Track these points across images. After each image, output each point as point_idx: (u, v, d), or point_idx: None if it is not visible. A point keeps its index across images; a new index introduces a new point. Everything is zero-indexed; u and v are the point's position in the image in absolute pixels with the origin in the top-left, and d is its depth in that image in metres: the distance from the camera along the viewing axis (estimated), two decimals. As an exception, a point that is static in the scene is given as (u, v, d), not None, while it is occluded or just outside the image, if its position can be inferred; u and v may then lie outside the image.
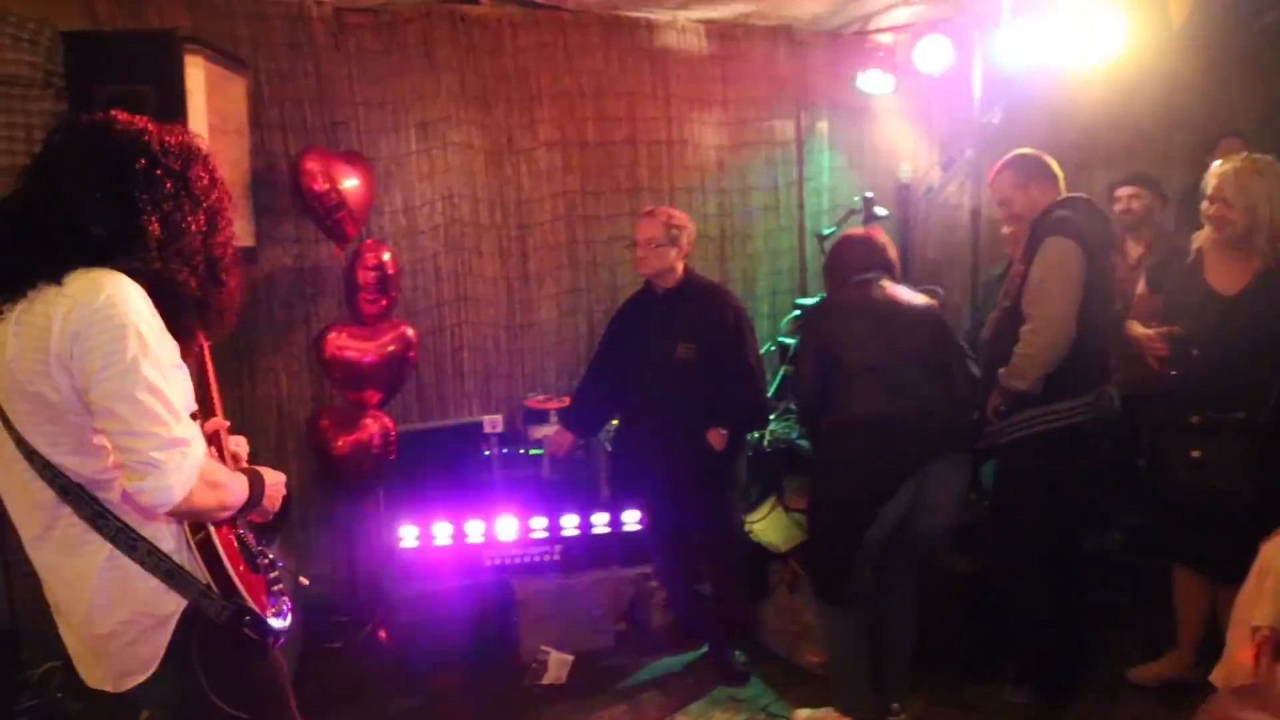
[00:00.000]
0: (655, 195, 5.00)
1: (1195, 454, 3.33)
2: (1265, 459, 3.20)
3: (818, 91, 5.41)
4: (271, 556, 2.22)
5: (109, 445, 1.78)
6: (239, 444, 2.26)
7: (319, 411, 4.18)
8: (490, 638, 4.13)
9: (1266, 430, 3.21)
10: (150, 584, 1.86)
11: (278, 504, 2.15)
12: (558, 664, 4.01)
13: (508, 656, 4.11)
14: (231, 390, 4.32)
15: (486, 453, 4.33)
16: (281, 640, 2.08)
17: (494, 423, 4.39)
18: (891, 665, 3.47)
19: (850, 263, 3.52)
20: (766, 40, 5.23)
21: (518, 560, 4.19)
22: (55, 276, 1.76)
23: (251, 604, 1.95)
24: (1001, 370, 3.35)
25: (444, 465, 4.36)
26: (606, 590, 4.22)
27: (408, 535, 4.13)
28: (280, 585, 2.21)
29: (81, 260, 1.78)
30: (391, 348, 4.07)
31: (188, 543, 1.89)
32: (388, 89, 4.42)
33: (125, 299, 1.75)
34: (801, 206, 5.51)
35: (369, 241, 4.06)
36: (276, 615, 2.07)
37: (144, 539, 1.83)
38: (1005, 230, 4.05)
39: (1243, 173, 3.21)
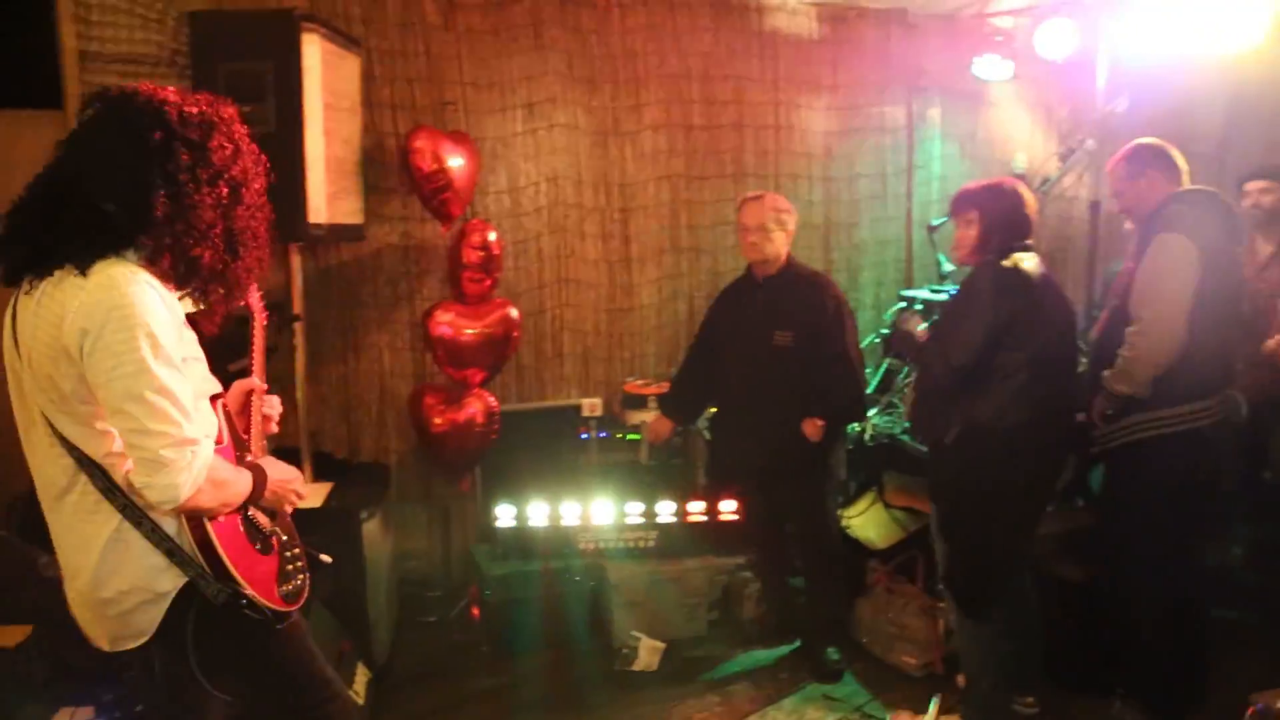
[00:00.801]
0: (760, 181, 4.92)
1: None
2: None
3: (931, 77, 5.24)
4: (287, 537, 2.26)
5: (117, 438, 1.83)
6: (272, 406, 2.31)
7: (422, 388, 4.22)
8: (581, 621, 4.13)
9: None
10: (152, 559, 1.94)
11: (289, 500, 2.19)
12: (649, 650, 3.98)
13: (598, 640, 4.11)
14: (335, 365, 4.41)
15: (585, 435, 4.32)
16: (292, 617, 2.14)
17: (593, 406, 4.38)
18: (1023, 667, 3.36)
19: (1026, 226, 3.13)
20: (879, 24, 5.09)
21: (612, 544, 4.18)
22: (80, 261, 1.79)
23: (247, 588, 1.99)
24: (1106, 373, 3.17)
25: (542, 446, 4.37)
26: (700, 579, 4.18)
27: (505, 515, 4.14)
28: (298, 565, 2.26)
29: (103, 240, 1.82)
30: (496, 327, 4.09)
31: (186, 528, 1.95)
32: (495, 69, 4.43)
33: (138, 298, 1.77)
34: (910, 195, 5.36)
35: (475, 221, 4.07)
36: (287, 596, 2.13)
37: (148, 517, 1.90)
38: (1128, 225, 3.86)
39: None
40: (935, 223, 4.86)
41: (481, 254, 3.96)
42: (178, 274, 1.89)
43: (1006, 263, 3.02)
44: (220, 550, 1.97)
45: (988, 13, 5.14)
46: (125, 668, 2.08)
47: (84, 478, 1.89)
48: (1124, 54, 4.61)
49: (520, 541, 4.16)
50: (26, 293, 1.84)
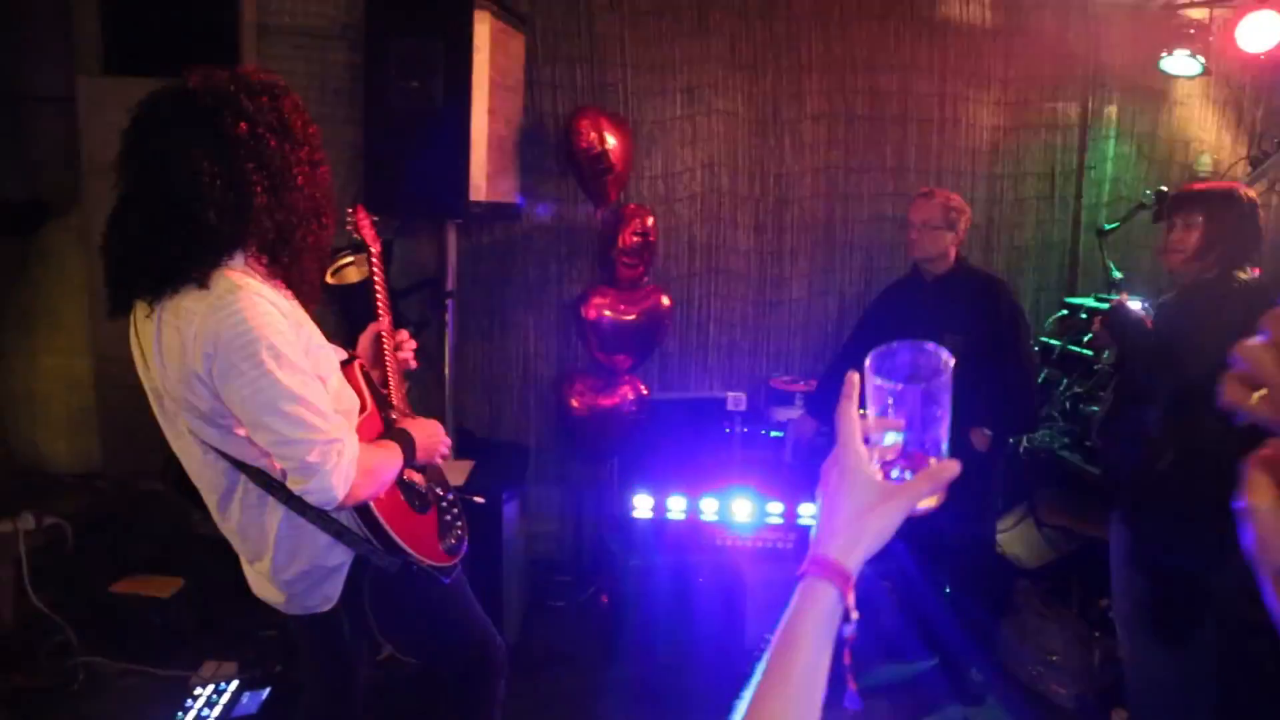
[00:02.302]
0: (921, 176, 4.71)
1: None
2: None
3: (1110, 72, 4.93)
4: (440, 489, 2.29)
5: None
6: (405, 343, 2.31)
7: (570, 371, 4.19)
8: (714, 621, 4.04)
9: None
10: (322, 540, 1.98)
11: (438, 452, 2.20)
12: (782, 654, 3.86)
13: (730, 642, 4.01)
14: (480, 343, 4.42)
15: (728, 430, 4.22)
16: (456, 571, 2.20)
17: (737, 400, 4.27)
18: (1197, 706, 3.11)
19: (1256, 240, 2.86)
20: (1058, 14, 4.81)
21: (750, 544, 4.07)
22: (190, 280, 1.75)
23: (415, 554, 2.04)
24: None
25: (683, 438, 4.29)
26: (838, 585, 4.03)
27: (642, 505, 4.08)
28: (454, 513, 2.30)
29: (210, 252, 1.77)
30: (649, 314, 4.03)
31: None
32: (657, 52, 4.35)
33: (251, 311, 1.74)
34: (1079, 197, 5.06)
35: (633, 206, 4.01)
36: (451, 549, 2.19)
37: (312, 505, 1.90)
38: None
39: None
40: (1107, 227, 4.57)
41: (639, 239, 3.90)
42: (282, 264, 1.87)
43: (1246, 278, 2.78)
44: (385, 524, 1.99)
45: (1178, 3, 4.79)
46: (279, 627, 2.14)
47: (243, 477, 1.92)
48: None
49: (655, 533, 4.09)
50: (147, 316, 1.82)
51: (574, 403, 4.06)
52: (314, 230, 1.91)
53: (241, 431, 1.84)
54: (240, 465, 1.90)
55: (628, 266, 3.96)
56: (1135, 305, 3.06)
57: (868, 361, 1.02)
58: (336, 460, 1.79)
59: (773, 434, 4.25)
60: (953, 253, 3.63)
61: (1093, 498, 4.07)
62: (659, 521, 4.07)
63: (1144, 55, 4.73)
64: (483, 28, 3.44)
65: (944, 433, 1.04)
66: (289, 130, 1.84)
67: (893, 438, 1.02)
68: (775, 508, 4.07)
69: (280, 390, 1.75)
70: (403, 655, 2.25)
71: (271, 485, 1.90)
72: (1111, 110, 5.03)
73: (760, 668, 0.89)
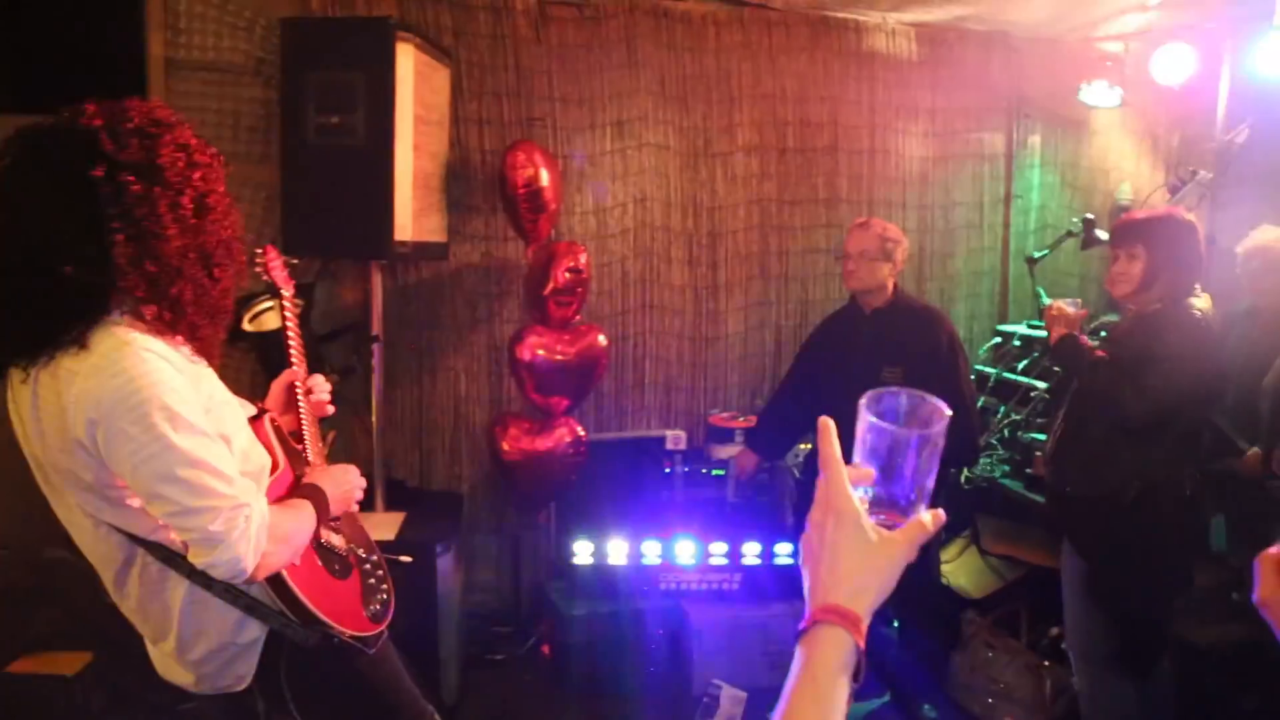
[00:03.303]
0: (854, 207, 4.71)
1: None
2: None
3: (1033, 102, 5.01)
4: (363, 550, 2.15)
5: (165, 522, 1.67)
6: (319, 387, 2.17)
7: (504, 415, 4.04)
8: (660, 666, 3.91)
9: None
10: (232, 616, 1.82)
11: (353, 499, 2.06)
12: (731, 700, 3.75)
13: (677, 688, 3.89)
14: (409, 388, 4.25)
15: (668, 469, 4.11)
16: (382, 639, 2.05)
17: (677, 438, 4.18)
18: None
19: (1198, 266, 2.90)
20: (981, 46, 4.87)
21: (695, 586, 3.96)
22: (64, 341, 1.59)
23: (336, 625, 1.88)
24: None
25: (623, 479, 4.18)
26: (786, 626, 3.94)
27: (582, 551, 3.95)
28: (379, 575, 2.15)
29: (77, 309, 1.60)
30: (586, 354, 3.90)
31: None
32: (586, 85, 4.27)
33: (139, 370, 1.58)
34: (1007, 225, 5.12)
35: (566, 243, 3.90)
36: (375, 616, 2.03)
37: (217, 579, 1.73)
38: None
39: None
40: (1036, 255, 4.62)
41: (573, 276, 3.78)
42: (165, 321, 1.67)
43: (1200, 307, 2.81)
44: (300, 595, 1.82)
45: (1095, 36, 4.90)
46: (183, 698, 1.96)
47: (140, 551, 1.75)
48: (1247, 81, 4.34)
49: (597, 579, 3.96)
50: (22, 382, 1.63)
51: (506, 447, 3.91)
52: (199, 281, 1.71)
53: (135, 502, 1.67)
54: (136, 539, 1.72)
55: (561, 305, 3.83)
56: (1069, 308, 3.03)
57: (865, 404, 0.97)
58: (244, 528, 1.62)
59: (714, 472, 4.16)
60: (890, 284, 3.61)
61: (1035, 525, 4.07)
62: (600, 567, 3.95)
63: (1064, 86, 4.82)
64: (406, 60, 3.32)
65: (933, 483, 0.99)
66: (158, 173, 1.63)
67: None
68: (719, 548, 3.99)
69: (176, 455, 1.58)
70: None
71: (172, 559, 1.73)
72: (1035, 140, 5.11)
73: None
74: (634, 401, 4.58)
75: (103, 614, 3.46)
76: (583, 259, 3.84)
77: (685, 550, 3.95)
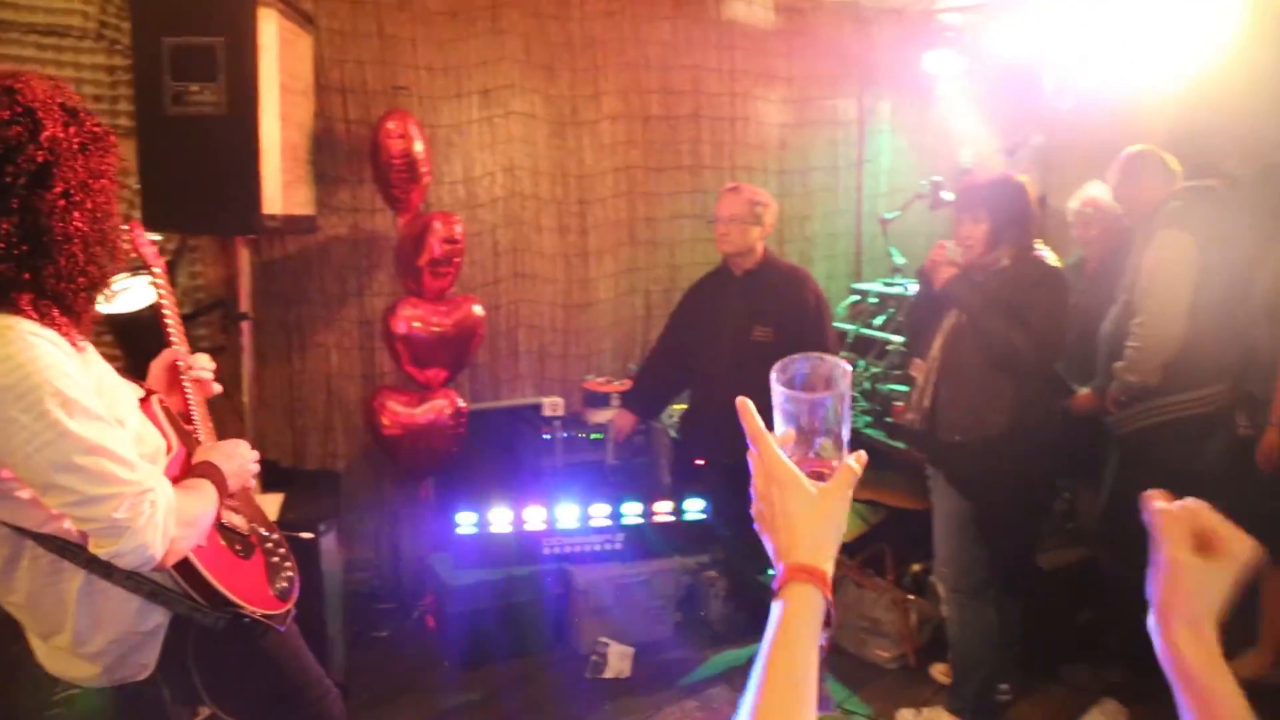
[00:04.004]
0: (717, 173, 4.84)
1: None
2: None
3: (882, 71, 5.25)
4: (264, 529, 2.14)
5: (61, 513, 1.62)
6: (201, 366, 2.14)
7: (381, 390, 3.98)
8: (547, 629, 3.98)
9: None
10: (133, 604, 1.77)
11: (249, 474, 2.04)
12: (619, 656, 3.86)
13: (565, 648, 3.97)
14: (279, 367, 4.15)
15: (547, 436, 4.16)
16: (290, 616, 2.05)
17: (555, 405, 4.22)
18: (1007, 652, 3.38)
19: (1033, 221, 3.16)
20: (833, 16, 5.07)
21: (579, 549, 4.04)
22: None
23: (246, 605, 1.86)
24: (1118, 364, 3.33)
25: (501, 448, 4.20)
26: (667, 580, 4.07)
27: (464, 521, 3.96)
28: (281, 553, 2.15)
29: None
30: (463, 324, 3.89)
31: None
32: (451, 53, 4.22)
33: (29, 354, 1.53)
34: (860, 189, 5.36)
35: (439, 213, 3.86)
36: (282, 593, 2.03)
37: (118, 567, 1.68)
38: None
39: None
40: (888, 216, 4.87)
41: (448, 247, 3.76)
42: (45, 305, 1.61)
43: (1050, 259, 3.10)
44: (208, 576, 1.79)
45: (936, 8, 5.16)
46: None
47: (29, 543, 1.68)
48: (1070, 54, 4.68)
49: (480, 549, 3.98)
50: None
51: (385, 421, 3.87)
52: (79, 262, 1.65)
53: (25, 494, 1.60)
54: (24, 532, 1.65)
55: (438, 276, 3.81)
56: (952, 252, 3.18)
57: (775, 377, 1.08)
58: (150, 514, 1.58)
59: (592, 436, 4.22)
60: (760, 247, 3.75)
61: (895, 471, 4.32)
62: (484, 536, 3.97)
63: (910, 55, 5.07)
64: (269, 26, 3.20)
65: (849, 430, 1.11)
66: (52, 152, 1.58)
67: (825, 444, 1.09)
68: (600, 509, 4.06)
69: (73, 442, 1.52)
70: (229, 718, 2.02)
71: (66, 549, 1.67)
72: (885, 106, 5.35)
73: (757, 676, 0.94)
74: (509, 370, 4.60)
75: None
76: (458, 229, 3.83)
77: (567, 514, 4.01)
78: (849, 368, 1.09)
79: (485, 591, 3.88)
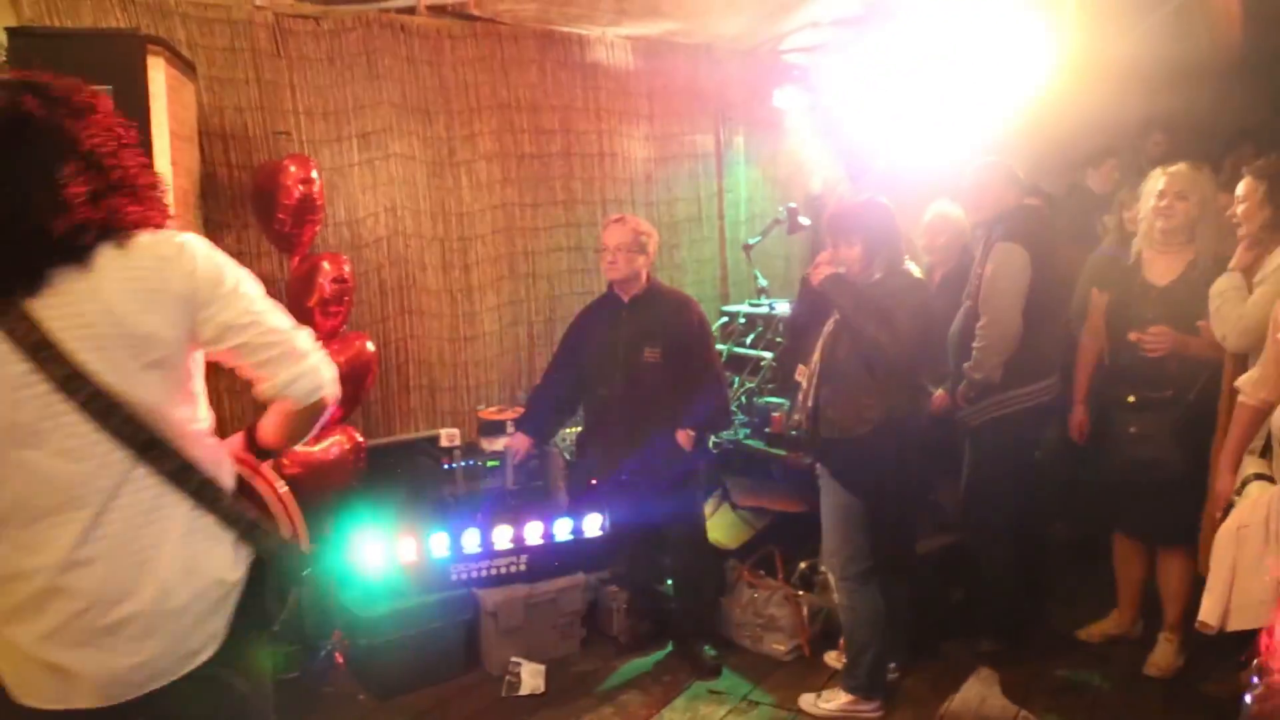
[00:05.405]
0: (589, 207, 5.08)
1: (1133, 429, 3.69)
2: (1192, 431, 3.56)
3: (735, 107, 5.63)
4: None
5: (201, 403, 1.77)
6: None
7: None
8: (459, 653, 4.05)
9: (1193, 407, 3.58)
10: (224, 546, 1.73)
11: None
12: (532, 674, 3.97)
13: (478, 671, 4.05)
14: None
15: (447, 466, 4.25)
16: None
17: (451, 436, 4.32)
18: (894, 632, 3.64)
19: (900, 238, 3.50)
20: (689, 57, 5.41)
21: (484, 573, 4.14)
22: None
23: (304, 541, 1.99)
24: (966, 364, 3.73)
25: (401, 481, 4.27)
26: (572, 596, 4.22)
27: (371, 554, 4.00)
28: None
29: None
30: (356, 362, 3.95)
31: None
32: (330, 97, 4.31)
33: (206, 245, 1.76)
34: (722, 217, 5.70)
35: (328, 254, 3.93)
36: None
37: (225, 493, 1.74)
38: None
39: (1185, 174, 3.58)
40: (750, 241, 5.21)
41: (338, 287, 3.84)
42: None
43: (915, 273, 3.47)
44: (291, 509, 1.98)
45: (782, 49, 5.58)
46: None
47: (140, 471, 1.64)
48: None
49: (386, 581, 4.02)
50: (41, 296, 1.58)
51: (285, 461, 3.89)
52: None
53: (194, 385, 1.74)
54: (148, 449, 1.63)
55: (329, 315, 3.87)
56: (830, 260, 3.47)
57: None
58: (321, 348, 1.79)
59: (489, 464, 4.34)
60: (644, 274, 3.99)
61: (775, 478, 4.61)
62: (389, 568, 4.01)
63: (760, 92, 5.47)
64: (158, 74, 3.23)
65: None
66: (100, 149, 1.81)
67: None
68: (503, 533, 4.17)
69: (258, 291, 1.76)
70: None
71: (183, 473, 1.66)
72: (740, 140, 5.73)
73: None
74: (401, 404, 4.67)
75: None
76: (347, 269, 3.91)
77: (471, 539, 4.11)
78: None
79: (395, 622, 3.93)
